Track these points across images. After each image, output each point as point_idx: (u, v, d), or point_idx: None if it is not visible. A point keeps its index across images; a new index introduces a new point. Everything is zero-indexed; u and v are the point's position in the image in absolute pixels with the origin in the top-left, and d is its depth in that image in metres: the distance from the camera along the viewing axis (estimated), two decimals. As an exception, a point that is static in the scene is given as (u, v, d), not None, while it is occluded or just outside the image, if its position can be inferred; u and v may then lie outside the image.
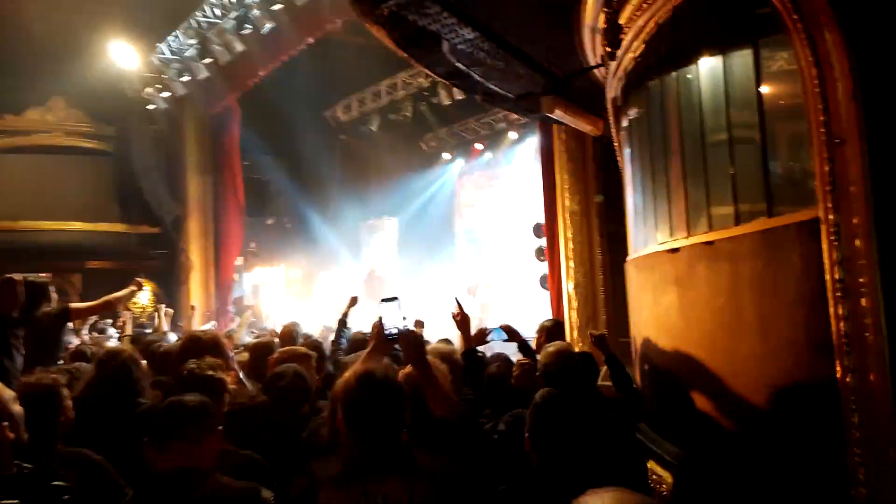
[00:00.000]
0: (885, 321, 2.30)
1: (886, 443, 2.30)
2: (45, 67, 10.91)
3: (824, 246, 2.48)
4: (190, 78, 10.65)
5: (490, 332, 4.21)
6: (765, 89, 3.10)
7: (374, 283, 13.42)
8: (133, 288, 5.68)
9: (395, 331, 2.61)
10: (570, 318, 7.22)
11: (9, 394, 2.22)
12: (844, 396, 2.42)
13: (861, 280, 2.35)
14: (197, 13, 9.79)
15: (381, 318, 2.66)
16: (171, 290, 12.65)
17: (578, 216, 7.27)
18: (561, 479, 2.17)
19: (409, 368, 2.65)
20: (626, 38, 4.27)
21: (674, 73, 3.88)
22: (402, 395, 2.06)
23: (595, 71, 5.46)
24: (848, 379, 2.41)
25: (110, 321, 9.30)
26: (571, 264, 7.26)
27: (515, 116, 12.42)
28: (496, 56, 4.86)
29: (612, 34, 4.19)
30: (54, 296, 4.88)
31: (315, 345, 4.59)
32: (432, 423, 2.51)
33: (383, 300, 2.71)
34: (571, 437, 2.27)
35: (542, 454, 2.28)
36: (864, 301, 2.35)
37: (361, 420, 1.98)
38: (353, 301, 5.70)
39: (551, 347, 3.29)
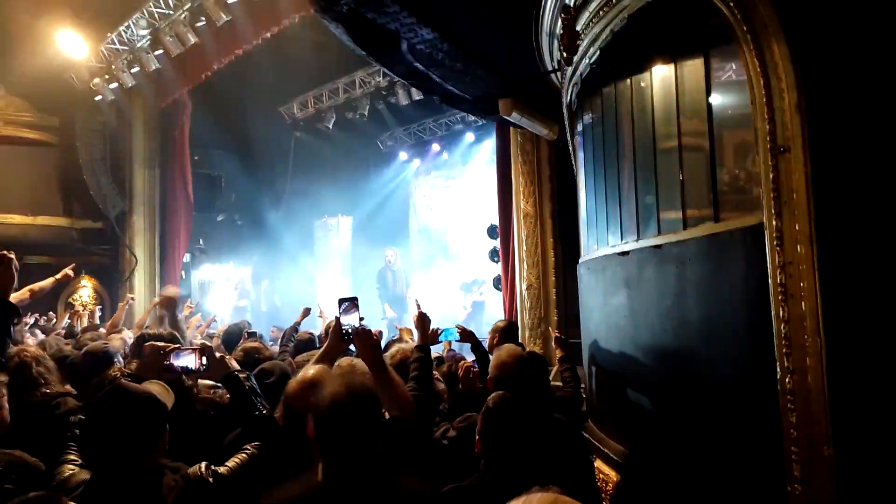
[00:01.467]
0: (823, 325, 2.39)
1: (821, 441, 2.40)
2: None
3: (768, 251, 2.57)
4: (140, 69, 10.36)
5: (441, 332, 4.23)
6: (714, 98, 3.19)
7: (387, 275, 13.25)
8: (57, 277, 5.19)
9: (350, 329, 2.61)
10: (523, 318, 7.30)
11: None
12: (783, 396, 2.51)
13: (802, 284, 2.45)
14: (150, 3, 9.53)
15: (338, 318, 2.64)
16: (113, 286, 12.28)
17: (532, 218, 7.37)
18: (507, 480, 2.19)
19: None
20: (583, 45, 4.34)
21: (627, 81, 3.96)
22: (379, 413, 1.98)
23: (552, 76, 5.53)
24: (787, 380, 2.50)
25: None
26: (525, 265, 7.34)
27: (473, 118, 12.50)
28: (455, 57, 4.88)
29: (569, 40, 4.25)
30: None
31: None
32: (384, 423, 2.50)
33: (341, 300, 2.70)
34: (521, 441, 2.29)
35: (491, 457, 2.30)
36: (804, 304, 2.44)
37: (341, 441, 1.84)
38: (306, 312, 5.96)
39: (503, 353, 3.29)
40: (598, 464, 4.05)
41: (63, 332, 7.13)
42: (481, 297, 12.77)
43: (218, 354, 2.64)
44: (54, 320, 8.75)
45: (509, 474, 2.22)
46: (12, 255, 2.58)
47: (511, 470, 2.23)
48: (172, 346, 2.61)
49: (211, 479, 2.05)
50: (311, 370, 2.45)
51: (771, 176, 2.54)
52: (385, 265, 13.33)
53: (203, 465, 2.08)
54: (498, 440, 2.29)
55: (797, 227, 2.46)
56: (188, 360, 2.53)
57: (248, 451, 2.20)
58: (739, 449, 2.85)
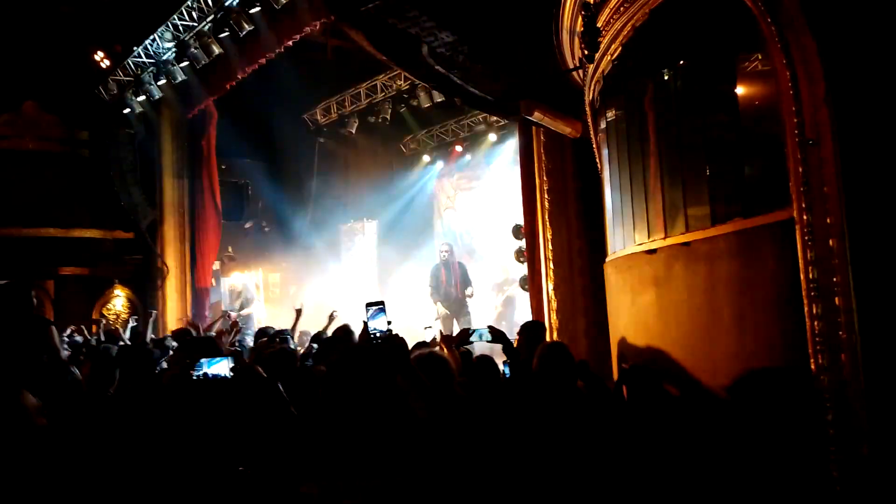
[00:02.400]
0: (858, 319, 2.34)
1: (860, 438, 2.35)
2: (18, 70, 10.72)
3: (799, 246, 2.53)
4: (166, 81, 10.53)
5: (473, 332, 4.22)
6: (740, 92, 3.14)
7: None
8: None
9: (378, 334, 2.61)
10: (550, 319, 7.25)
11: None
12: (819, 394, 2.46)
13: (835, 279, 2.40)
14: (174, 16, 9.68)
15: (365, 323, 2.65)
16: (146, 295, 12.48)
17: (557, 217, 7.31)
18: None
19: None
20: (604, 42, 4.31)
21: (651, 76, 3.92)
22: None
23: (574, 74, 5.50)
24: (822, 377, 2.45)
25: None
26: (551, 265, 7.29)
27: (495, 119, 12.46)
28: (475, 59, 4.88)
29: (590, 37, 4.22)
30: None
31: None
32: (417, 425, 2.51)
33: (368, 304, 2.70)
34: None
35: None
36: (837, 300, 2.39)
37: None
38: (299, 313, 5.93)
39: (546, 346, 3.27)
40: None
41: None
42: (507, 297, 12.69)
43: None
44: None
45: None
46: None
47: None
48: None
49: None
50: None
51: (800, 170, 2.50)
52: (440, 262, 11.98)
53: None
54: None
55: (829, 221, 2.41)
56: (220, 368, 2.55)
57: None
58: (777, 449, 2.80)
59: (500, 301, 12.97)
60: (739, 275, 3.03)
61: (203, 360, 2.55)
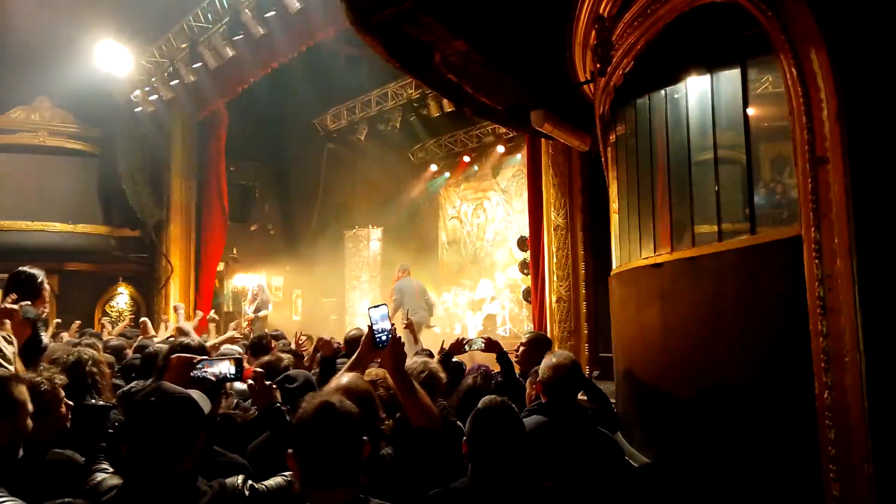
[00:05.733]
0: (863, 340, 2.33)
1: (861, 459, 2.33)
2: (33, 67, 10.81)
3: (805, 264, 2.52)
4: (178, 82, 10.61)
5: (468, 342, 4.23)
6: (751, 110, 3.15)
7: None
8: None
9: (384, 338, 2.63)
10: (553, 331, 7.25)
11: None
12: (821, 413, 2.45)
13: (841, 298, 2.39)
14: (189, 17, 9.77)
15: (370, 327, 2.67)
16: (150, 294, 12.51)
17: (563, 230, 7.33)
18: (494, 485, 2.16)
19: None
20: (616, 55, 4.33)
21: (662, 91, 3.94)
22: (355, 428, 1.90)
23: (585, 87, 5.52)
24: (825, 396, 2.44)
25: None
26: (555, 278, 7.30)
27: (503, 130, 12.51)
28: (488, 68, 4.90)
29: (603, 51, 4.25)
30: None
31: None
32: (410, 433, 2.51)
33: (371, 308, 2.73)
34: (509, 447, 2.22)
35: (476, 461, 2.25)
36: (842, 319, 2.38)
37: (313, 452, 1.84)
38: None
39: (556, 358, 3.15)
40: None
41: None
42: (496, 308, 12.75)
43: (267, 382, 2.68)
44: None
45: (495, 479, 2.19)
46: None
47: (497, 475, 2.20)
48: (200, 357, 2.58)
49: (247, 493, 2.05)
50: (343, 378, 2.48)
51: (809, 187, 2.49)
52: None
53: (241, 477, 2.10)
54: (483, 444, 2.24)
55: (836, 240, 2.41)
56: (223, 367, 2.55)
57: (285, 477, 2.19)
58: (776, 466, 2.79)
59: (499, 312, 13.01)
60: (745, 291, 3.03)
61: (204, 360, 2.54)
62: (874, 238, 2.36)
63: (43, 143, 11.74)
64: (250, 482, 2.09)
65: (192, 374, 2.48)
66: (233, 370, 2.54)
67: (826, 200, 2.45)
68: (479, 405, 2.33)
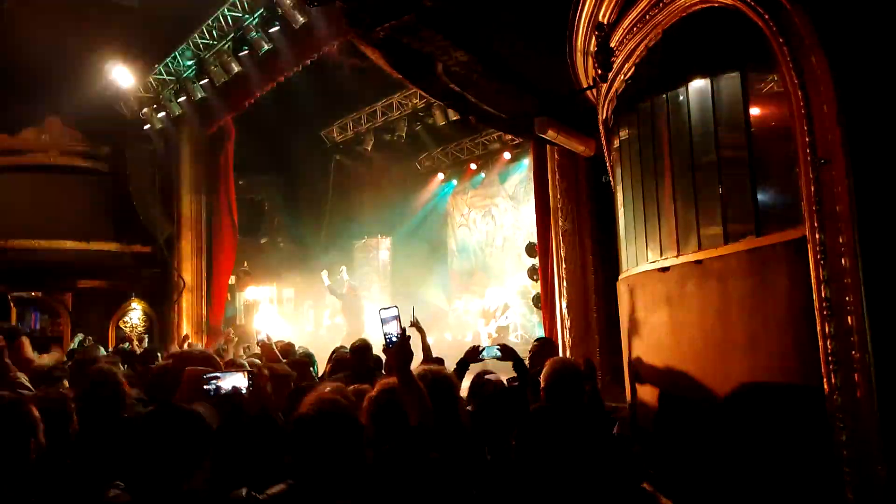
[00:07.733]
0: (871, 339, 2.33)
1: (874, 460, 2.32)
2: (42, 87, 10.94)
3: (811, 265, 2.52)
4: (186, 98, 10.71)
5: (483, 349, 4.23)
6: (753, 112, 3.15)
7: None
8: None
9: (393, 338, 2.65)
10: (563, 336, 7.24)
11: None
12: (832, 414, 2.44)
13: (847, 298, 2.39)
14: (195, 35, 9.87)
15: (385, 332, 2.69)
16: (162, 309, 12.59)
17: (571, 235, 7.32)
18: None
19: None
20: (617, 61, 4.34)
21: (664, 95, 3.95)
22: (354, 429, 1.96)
23: (587, 93, 5.54)
24: (835, 397, 2.43)
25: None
26: (564, 283, 7.29)
27: (509, 137, 12.53)
28: (490, 78, 4.93)
29: (604, 57, 4.26)
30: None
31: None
32: (409, 430, 2.52)
33: (382, 310, 2.75)
34: (557, 451, 2.26)
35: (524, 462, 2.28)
36: (850, 319, 2.38)
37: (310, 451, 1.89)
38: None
39: (555, 364, 3.22)
40: (645, 486, 3.97)
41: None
42: (507, 320, 12.77)
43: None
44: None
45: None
46: None
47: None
48: (211, 370, 2.60)
49: None
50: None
51: (812, 188, 2.50)
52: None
53: (244, 490, 2.11)
54: (534, 449, 2.26)
55: (841, 240, 2.41)
56: (236, 380, 2.56)
57: (289, 483, 2.20)
58: (788, 468, 2.78)
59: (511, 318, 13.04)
60: (752, 293, 3.02)
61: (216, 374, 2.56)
62: (879, 237, 2.36)
63: (54, 162, 11.86)
64: (253, 493, 2.09)
65: (204, 387, 2.49)
66: (245, 383, 2.56)
67: (829, 201, 2.45)
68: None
